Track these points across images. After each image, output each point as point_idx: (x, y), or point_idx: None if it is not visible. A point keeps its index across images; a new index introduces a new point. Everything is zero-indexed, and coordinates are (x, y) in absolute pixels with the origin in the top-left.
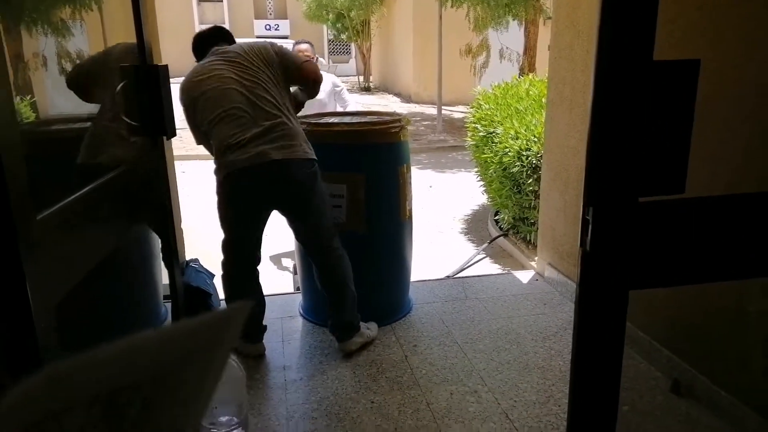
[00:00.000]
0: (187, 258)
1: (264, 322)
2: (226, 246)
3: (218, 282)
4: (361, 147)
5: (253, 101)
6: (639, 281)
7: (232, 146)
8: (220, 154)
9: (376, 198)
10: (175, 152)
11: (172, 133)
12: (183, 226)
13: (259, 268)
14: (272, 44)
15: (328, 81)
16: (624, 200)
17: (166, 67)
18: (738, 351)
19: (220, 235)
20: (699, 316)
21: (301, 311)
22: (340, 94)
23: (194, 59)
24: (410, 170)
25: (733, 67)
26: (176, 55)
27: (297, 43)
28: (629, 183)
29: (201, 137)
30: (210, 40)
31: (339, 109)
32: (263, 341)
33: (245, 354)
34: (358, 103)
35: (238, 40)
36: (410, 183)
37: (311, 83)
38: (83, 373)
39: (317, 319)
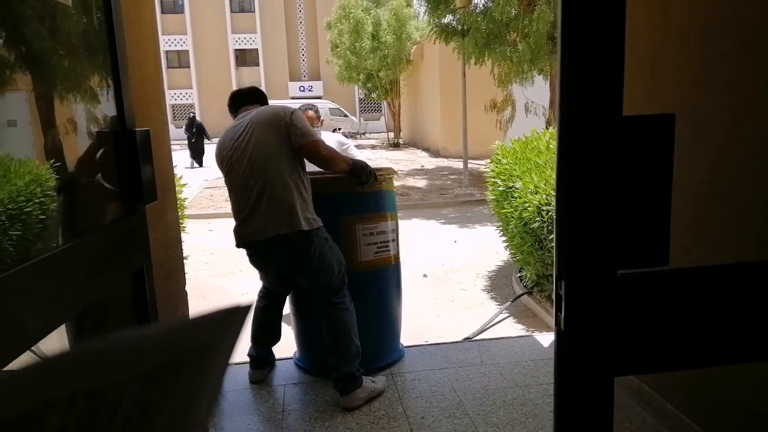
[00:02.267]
0: None
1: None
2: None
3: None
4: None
5: (255, 178)
6: (624, 366)
7: (238, 220)
8: (235, 222)
9: None
10: (204, 211)
11: (151, 198)
12: (201, 284)
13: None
14: (288, 112)
15: (332, 140)
16: (600, 273)
17: (147, 131)
18: None
19: (242, 292)
20: (732, 387)
21: (297, 361)
22: (347, 151)
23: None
24: (394, 219)
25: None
26: (215, 114)
27: (302, 108)
28: (605, 254)
29: None
30: (244, 99)
31: None
32: (265, 370)
33: (249, 378)
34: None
35: (273, 102)
36: (371, 233)
37: (314, 161)
38: (62, 369)
39: (311, 368)
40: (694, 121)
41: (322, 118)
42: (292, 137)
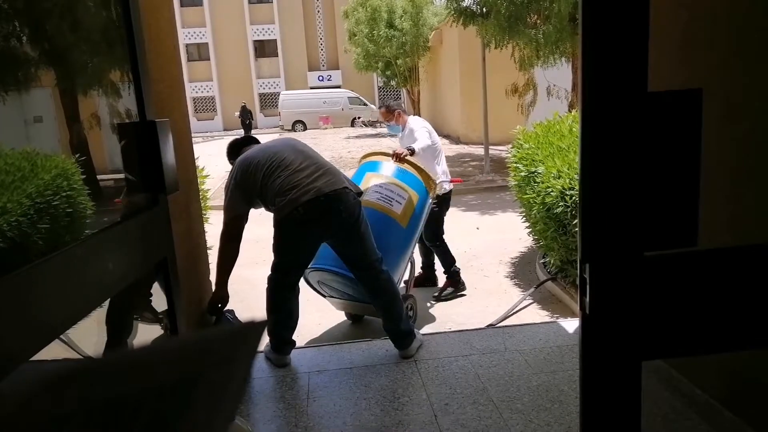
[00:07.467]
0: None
1: (293, 361)
2: (277, 267)
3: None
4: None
5: (316, 160)
6: (652, 350)
7: (307, 182)
8: (283, 194)
9: None
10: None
11: (172, 188)
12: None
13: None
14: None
15: (418, 126)
16: (626, 255)
17: (166, 122)
18: None
19: (265, 282)
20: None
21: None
22: (412, 134)
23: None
24: (408, 192)
25: None
26: (236, 106)
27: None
28: (631, 235)
29: (247, 198)
30: (246, 142)
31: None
32: (289, 355)
33: (272, 362)
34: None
35: (294, 91)
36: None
37: None
38: (81, 380)
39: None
40: (724, 99)
41: (397, 110)
42: None
